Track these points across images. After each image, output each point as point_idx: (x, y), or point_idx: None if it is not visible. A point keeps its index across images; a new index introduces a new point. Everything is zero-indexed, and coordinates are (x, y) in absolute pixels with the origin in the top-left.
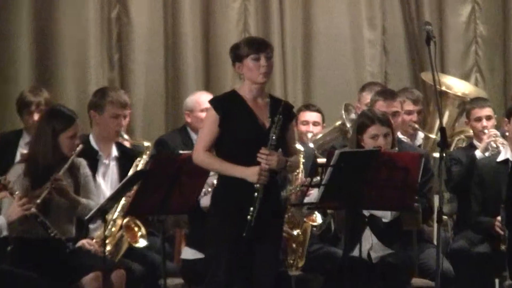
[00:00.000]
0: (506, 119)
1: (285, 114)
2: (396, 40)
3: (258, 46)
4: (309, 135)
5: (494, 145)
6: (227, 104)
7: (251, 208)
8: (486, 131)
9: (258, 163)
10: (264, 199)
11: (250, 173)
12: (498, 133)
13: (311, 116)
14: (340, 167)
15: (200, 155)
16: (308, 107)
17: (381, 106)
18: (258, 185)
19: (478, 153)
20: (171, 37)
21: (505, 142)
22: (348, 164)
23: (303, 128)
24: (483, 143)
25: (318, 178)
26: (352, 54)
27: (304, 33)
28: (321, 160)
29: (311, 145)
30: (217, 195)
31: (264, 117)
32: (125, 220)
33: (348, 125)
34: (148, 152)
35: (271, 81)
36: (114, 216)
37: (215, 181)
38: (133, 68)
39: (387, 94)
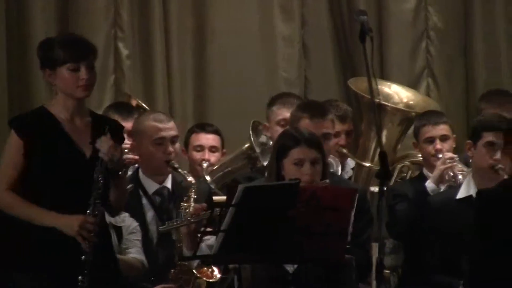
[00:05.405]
0: (469, 141)
1: (113, 138)
2: (320, 35)
3: (78, 53)
4: (205, 164)
5: (451, 174)
6: (34, 125)
7: (79, 277)
8: (440, 155)
9: (80, 210)
10: (96, 263)
11: (65, 223)
12: (457, 158)
13: (207, 139)
14: (245, 208)
15: (1, 194)
16: (202, 127)
17: (306, 126)
18: (86, 245)
19: (429, 185)
20: None
21: (466, 169)
22: (255, 204)
23: (196, 155)
24: (436, 171)
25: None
26: (261, 54)
27: (196, 27)
28: (221, 197)
29: (208, 177)
30: (23, 254)
31: (84, 143)
32: None
33: (258, 149)
34: None
35: (152, 93)
36: None
37: None
38: None
39: (315, 109)
